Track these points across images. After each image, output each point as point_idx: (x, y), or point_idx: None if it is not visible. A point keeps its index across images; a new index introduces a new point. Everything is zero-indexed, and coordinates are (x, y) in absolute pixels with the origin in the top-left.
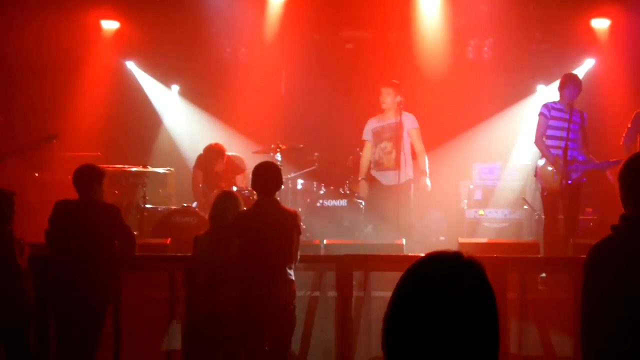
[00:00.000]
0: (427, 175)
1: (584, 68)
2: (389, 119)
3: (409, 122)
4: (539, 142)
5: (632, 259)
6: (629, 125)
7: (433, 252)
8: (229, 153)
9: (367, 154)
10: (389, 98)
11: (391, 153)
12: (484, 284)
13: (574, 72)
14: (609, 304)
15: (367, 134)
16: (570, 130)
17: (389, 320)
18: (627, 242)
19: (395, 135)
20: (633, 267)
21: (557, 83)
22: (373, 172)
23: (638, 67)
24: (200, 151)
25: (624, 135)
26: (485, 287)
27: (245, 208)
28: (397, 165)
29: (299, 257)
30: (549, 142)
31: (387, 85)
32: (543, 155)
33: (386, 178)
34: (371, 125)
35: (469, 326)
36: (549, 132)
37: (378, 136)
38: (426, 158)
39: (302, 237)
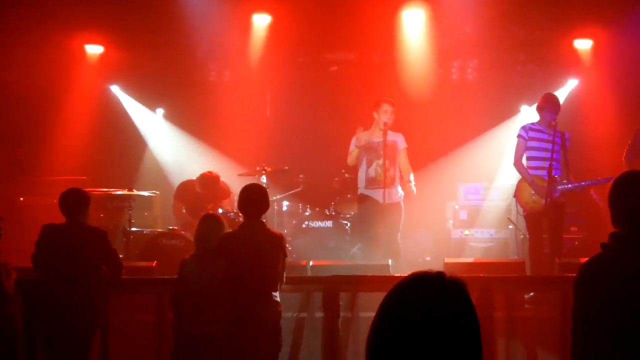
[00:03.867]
0: (413, 184)
1: (567, 88)
2: (384, 135)
3: (402, 141)
4: (518, 164)
5: (621, 276)
6: (630, 142)
7: (415, 272)
8: None
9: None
10: (392, 116)
11: (389, 170)
12: (466, 303)
13: (557, 92)
14: (599, 321)
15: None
16: (554, 150)
17: (372, 340)
18: (617, 259)
19: (394, 153)
20: (623, 284)
21: None
22: (367, 191)
23: (620, 87)
24: (186, 174)
25: (625, 151)
26: (468, 306)
27: (230, 230)
28: (393, 183)
29: (284, 279)
30: (531, 163)
31: (391, 103)
32: (522, 177)
33: (387, 196)
34: (363, 137)
35: (451, 345)
36: (531, 153)
37: (374, 152)
38: (412, 175)
39: (288, 259)
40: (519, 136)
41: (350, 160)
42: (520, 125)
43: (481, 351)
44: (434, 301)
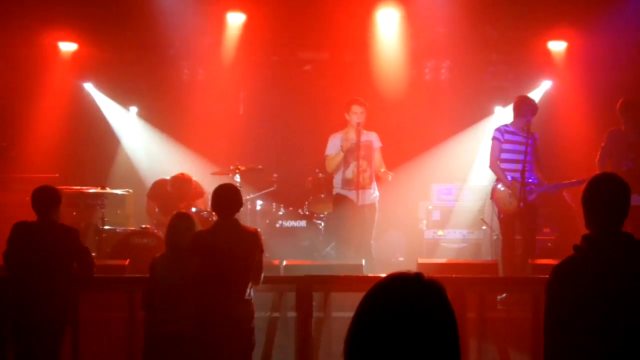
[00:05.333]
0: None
1: (541, 90)
2: (358, 136)
3: (376, 140)
4: (493, 165)
5: (593, 278)
6: (603, 144)
7: (394, 273)
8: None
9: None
10: (363, 116)
11: (366, 171)
12: (445, 305)
13: (531, 93)
14: (571, 322)
15: (333, 149)
16: (527, 153)
17: (350, 341)
18: (589, 261)
19: (370, 153)
20: (594, 286)
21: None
22: (343, 192)
23: (594, 88)
24: (159, 173)
25: (598, 153)
26: (446, 308)
27: (202, 229)
28: (371, 184)
29: (262, 277)
30: (505, 166)
31: (361, 104)
32: (498, 179)
33: (362, 197)
34: (339, 141)
35: (430, 347)
36: (505, 155)
37: (352, 154)
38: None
39: (262, 256)
40: (494, 138)
41: (331, 167)
42: (494, 128)
43: (459, 352)
44: (413, 303)
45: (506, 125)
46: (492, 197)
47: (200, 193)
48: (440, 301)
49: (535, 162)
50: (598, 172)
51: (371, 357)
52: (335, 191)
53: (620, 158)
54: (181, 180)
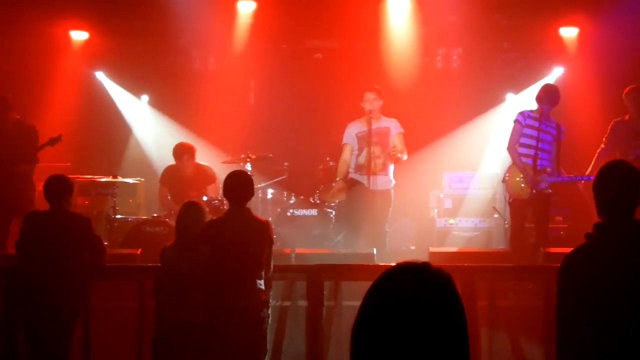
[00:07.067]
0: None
1: (552, 77)
2: (375, 123)
3: (395, 126)
4: (511, 148)
5: (604, 266)
6: (606, 135)
7: (401, 262)
8: (199, 162)
9: (347, 158)
10: (376, 103)
11: (380, 157)
12: (452, 294)
13: (542, 80)
14: (583, 309)
15: (349, 138)
16: (541, 140)
17: (356, 330)
18: (600, 249)
19: (384, 140)
20: (606, 273)
21: (526, 91)
22: (356, 176)
23: (606, 75)
24: (170, 161)
25: (602, 144)
26: (453, 297)
27: (213, 217)
28: (384, 170)
29: (272, 267)
30: (521, 150)
31: (372, 91)
32: (513, 162)
33: (373, 183)
34: (354, 129)
35: (437, 336)
36: (523, 140)
37: (364, 140)
38: (405, 156)
39: (272, 247)
40: (516, 121)
41: (341, 169)
42: (518, 111)
43: (467, 342)
44: (419, 292)
45: (530, 111)
46: (503, 180)
47: (212, 178)
48: (447, 291)
49: (554, 151)
50: (594, 163)
51: (377, 347)
52: (349, 175)
53: (627, 147)
54: (182, 148)
